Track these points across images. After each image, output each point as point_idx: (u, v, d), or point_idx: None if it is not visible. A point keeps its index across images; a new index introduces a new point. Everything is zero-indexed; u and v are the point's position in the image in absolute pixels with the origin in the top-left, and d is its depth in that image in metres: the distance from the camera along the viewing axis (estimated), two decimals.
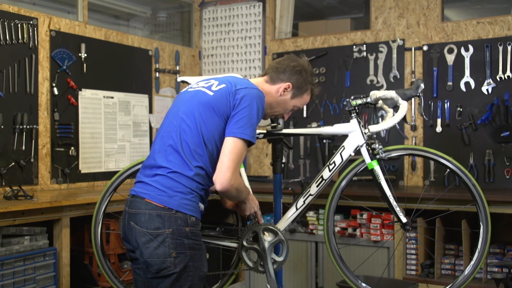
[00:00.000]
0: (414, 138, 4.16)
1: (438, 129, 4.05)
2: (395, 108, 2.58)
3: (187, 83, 2.65)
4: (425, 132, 4.12)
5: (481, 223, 2.56)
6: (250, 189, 2.48)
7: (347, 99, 2.58)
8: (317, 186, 2.57)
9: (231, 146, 2.07)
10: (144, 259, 2.07)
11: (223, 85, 2.17)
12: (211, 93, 2.16)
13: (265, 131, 2.62)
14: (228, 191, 2.08)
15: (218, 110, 2.12)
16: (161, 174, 2.10)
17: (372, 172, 2.54)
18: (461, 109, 3.99)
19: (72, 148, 3.86)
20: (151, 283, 2.11)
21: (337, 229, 3.79)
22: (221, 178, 2.04)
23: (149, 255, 2.05)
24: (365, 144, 2.54)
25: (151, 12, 5.09)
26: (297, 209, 2.58)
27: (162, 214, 2.05)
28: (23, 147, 3.53)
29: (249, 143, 2.13)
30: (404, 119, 2.57)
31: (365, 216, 3.73)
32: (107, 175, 4.08)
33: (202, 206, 2.18)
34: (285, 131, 2.63)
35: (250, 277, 4.10)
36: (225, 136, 2.11)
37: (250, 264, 2.48)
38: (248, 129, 2.10)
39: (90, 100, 4.01)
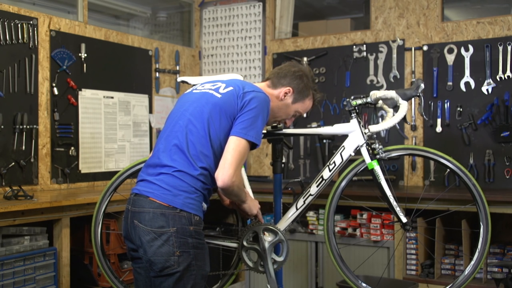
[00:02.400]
0: (414, 138, 4.16)
1: (438, 129, 4.05)
2: (395, 108, 2.58)
3: (187, 83, 2.66)
4: (425, 132, 4.12)
5: (481, 223, 2.56)
6: (250, 193, 2.49)
7: (347, 99, 2.58)
8: (317, 186, 2.57)
9: (234, 144, 2.09)
10: (148, 258, 2.07)
11: (231, 88, 2.20)
12: (219, 95, 2.18)
13: (265, 131, 2.62)
14: (229, 188, 2.09)
15: (226, 112, 2.14)
16: (166, 173, 2.11)
17: (372, 172, 2.54)
18: (461, 109, 3.99)
19: (72, 148, 3.86)
20: (154, 282, 2.11)
21: (337, 229, 3.79)
22: (223, 174, 2.06)
23: (153, 254, 2.06)
24: (365, 144, 2.54)
25: (151, 12, 5.09)
26: (297, 209, 2.58)
27: (167, 213, 2.06)
28: (23, 147, 3.53)
29: (252, 144, 2.14)
30: (404, 119, 2.57)
31: (365, 216, 3.73)
32: (107, 175, 4.07)
33: (205, 205, 2.19)
34: (285, 131, 2.63)
35: (250, 277, 4.10)
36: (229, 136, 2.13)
37: (250, 264, 2.48)
38: (251, 130, 2.12)
39: (90, 100, 4.01)
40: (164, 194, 2.08)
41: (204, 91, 2.25)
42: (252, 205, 2.41)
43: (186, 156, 2.10)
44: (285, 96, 2.38)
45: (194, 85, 2.45)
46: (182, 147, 2.12)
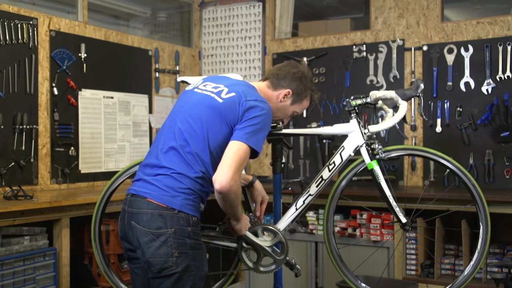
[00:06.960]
0: (414, 138, 4.16)
1: (438, 129, 4.05)
2: (395, 108, 2.58)
3: (187, 83, 2.65)
4: (425, 132, 4.12)
5: (481, 223, 2.56)
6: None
7: (347, 99, 2.58)
8: (316, 186, 2.57)
9: (235, 148, 2.06)
10: (146, 259, 2.07)
11: (233, 94, 2.16)
12: (221, 100, 2.16)
13: None
14: (226, 192, 2.03)
15: (226, 118, 2.12)
16: (164, 174, 2.09)
17: (371, 172, 2.54)
18: (461, 109, 3.99)
19: (72, 148, 3.86)
20: (152, 283, 2.11)
21: (337, 229, 3.79)
22: (222, 176, 2.01)
23: (151, 255, 2.05)
24: (364, 144, 2.54)
25: (151, 12, 5.09)
26: (296, 209, 2.58)
27: (165, 214, 2.05)
28: (23, 147, 3.53)
29: (252, 151, 2.10)
30: (404, 119, 2.57)
31: (365, 216, 3.73)
32: (107, 175, 4.07)
33: (202, 206, 2.18)
34: (285, 131, 2.63)
35: (250, 277, 4.10)
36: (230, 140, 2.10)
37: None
38: (253, 137, 2.09)
39: (90, 100, 4.01)
40: (162, 195, 2.07)
41: (206, 94, 2.21)
42: (244, 225, 2.38)
43: (185, 159, 2.09)
44: (284, 98, 2.37)
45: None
46: (181, 150, 2.10)
